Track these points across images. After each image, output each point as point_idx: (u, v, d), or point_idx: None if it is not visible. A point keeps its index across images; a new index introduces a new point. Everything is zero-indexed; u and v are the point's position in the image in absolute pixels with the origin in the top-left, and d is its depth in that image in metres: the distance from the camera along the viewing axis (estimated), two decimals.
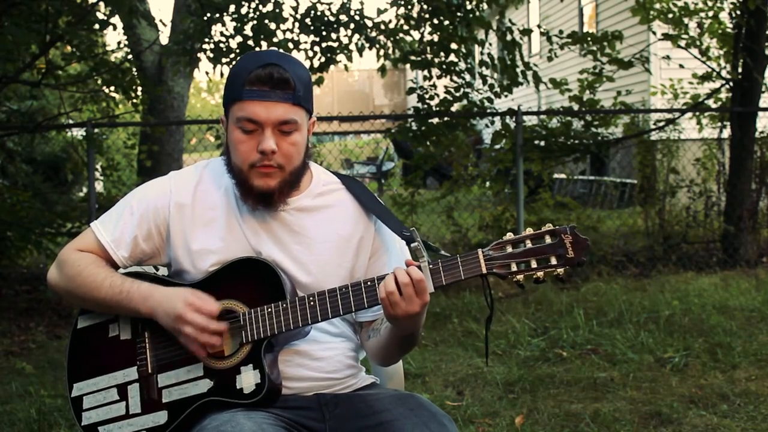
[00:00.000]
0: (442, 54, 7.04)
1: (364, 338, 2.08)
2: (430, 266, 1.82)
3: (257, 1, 6.95)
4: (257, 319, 1.88)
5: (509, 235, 1.83)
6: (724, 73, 7.43)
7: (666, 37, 7.29)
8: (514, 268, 1.81)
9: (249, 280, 1.92)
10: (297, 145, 1.92)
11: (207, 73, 25.15)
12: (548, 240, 1.81)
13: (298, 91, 1.89)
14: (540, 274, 1.80)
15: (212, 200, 2.01)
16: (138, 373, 1.94)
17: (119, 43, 12.86)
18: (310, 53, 7.09)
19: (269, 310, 1.88)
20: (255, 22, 6.92)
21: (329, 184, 2.07)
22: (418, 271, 1.80)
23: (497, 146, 7.55)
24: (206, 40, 7.09)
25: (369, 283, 1.86)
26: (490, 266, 1.81)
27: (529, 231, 1.83)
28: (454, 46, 7.05)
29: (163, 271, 2.06)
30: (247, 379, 1.86)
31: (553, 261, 1.80)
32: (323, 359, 1.99)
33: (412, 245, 1.86)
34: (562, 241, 1.80)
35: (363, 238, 2.04)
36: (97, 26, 6.87)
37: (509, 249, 1.82)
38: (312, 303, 1.87)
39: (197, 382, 1.90)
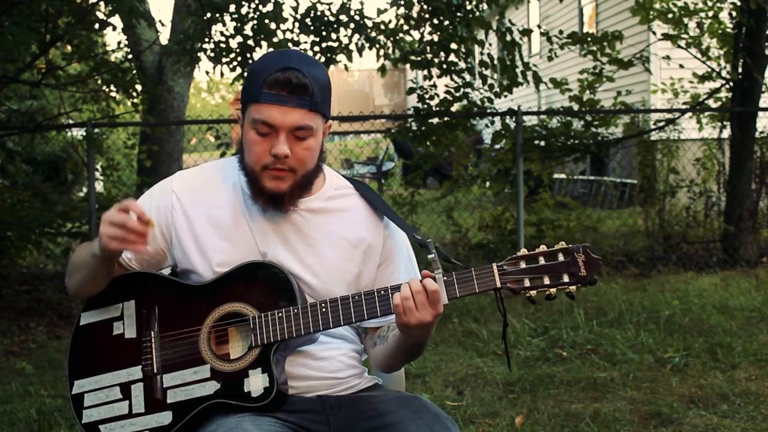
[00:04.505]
0: (442, 54, 7.03)
1: (368, 345, 2.08)
2: (445, 278, 1.84)
3: (257, 1, 6.95)
4: (267, 324, 1.88)
5: (523, 251, 1.86)
6: (724, 73, 7.43)
7: (666, 37, 7.29)
8: (527, 283, 1.83)
9: (259, 284, 1.92)
10: (311, 149, 1.92)
11: (207, 72, 25.21)
12: (561, 258, 1.83)
13: (316, 97, 1.88)
14: (552, 290, 1.82)
15: (219, 198, 2.00)
16: (142, 372, 1.93)
17: (119, 43, 12.87)
18: (310, 53, 7.08)
19: (280, 314, 1.87)
20: (255, 22, 6.92)
21: (341, 188, 2.07)
22: (433, 282, 1.82)
23: (497, 146, 7.56)
24: (206, 40, 7.09)
25: (382, 292, 1.86)
26: (504, 281, 1.83)
27: (543, 248, 1.85)
28: (454, 46, 7.05)
29: (165, 270, 2.06)
30: (256, 383, 1.86)
31: (566, 279, 1.82)
32: (325, 359, 1.99)
33: (428, 257, 1.86)
34: (575, 260, 1.82)
35: (372, 246, 2.04)
36: (97, 26, 6.87)
37: (523, 264, 1.84)
38: (324, 309, 1.87)
39: (204, 384, 1.89)
